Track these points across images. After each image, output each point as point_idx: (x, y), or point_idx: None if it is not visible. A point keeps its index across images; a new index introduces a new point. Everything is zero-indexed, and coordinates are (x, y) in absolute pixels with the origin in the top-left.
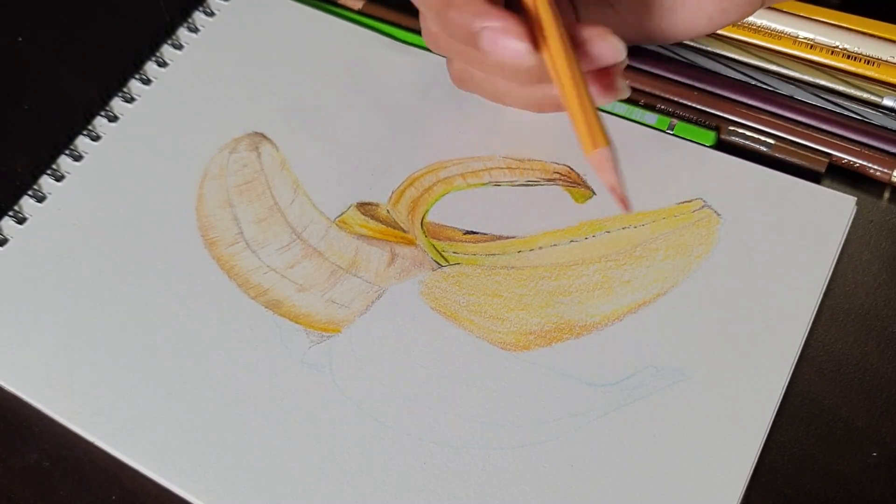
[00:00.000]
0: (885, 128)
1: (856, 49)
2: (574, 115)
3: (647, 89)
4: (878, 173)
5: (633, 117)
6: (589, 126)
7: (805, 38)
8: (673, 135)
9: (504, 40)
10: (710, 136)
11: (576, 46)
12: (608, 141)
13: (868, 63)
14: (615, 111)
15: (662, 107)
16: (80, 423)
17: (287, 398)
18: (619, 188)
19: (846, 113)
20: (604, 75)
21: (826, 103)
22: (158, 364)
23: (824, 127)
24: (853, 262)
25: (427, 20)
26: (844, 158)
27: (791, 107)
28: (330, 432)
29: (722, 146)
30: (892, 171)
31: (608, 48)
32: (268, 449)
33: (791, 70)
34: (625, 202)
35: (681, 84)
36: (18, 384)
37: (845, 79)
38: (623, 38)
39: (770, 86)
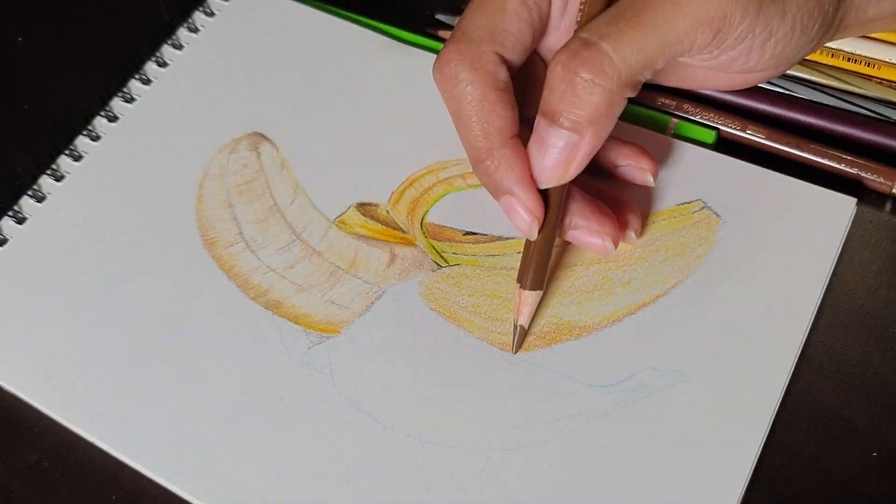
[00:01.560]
0: (886, 140)
1: (854, 51)
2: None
3: (643, 92)
4: (875, 184)
5: (632, 115)
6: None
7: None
8: (673, 134)
9: (522, 212)
10: (711, 135)
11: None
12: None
13: (868, 65)
14: None
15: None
16: (80, 424)
17: (286, 399)
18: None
19: (846, 108)
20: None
21: (824, 97)
22: (158, 364)
23: (823, 123)
24: (853, 262)
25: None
26: (845, 170)
27: (786, 104)
28: (329, 433)
29: (722, 144)
30: (893, 183)
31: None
32: (267, 449)
33: (796, 72)
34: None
35: (677, 91)
36: (18, 384)
37: (848, 79)
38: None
39: (768, 91)
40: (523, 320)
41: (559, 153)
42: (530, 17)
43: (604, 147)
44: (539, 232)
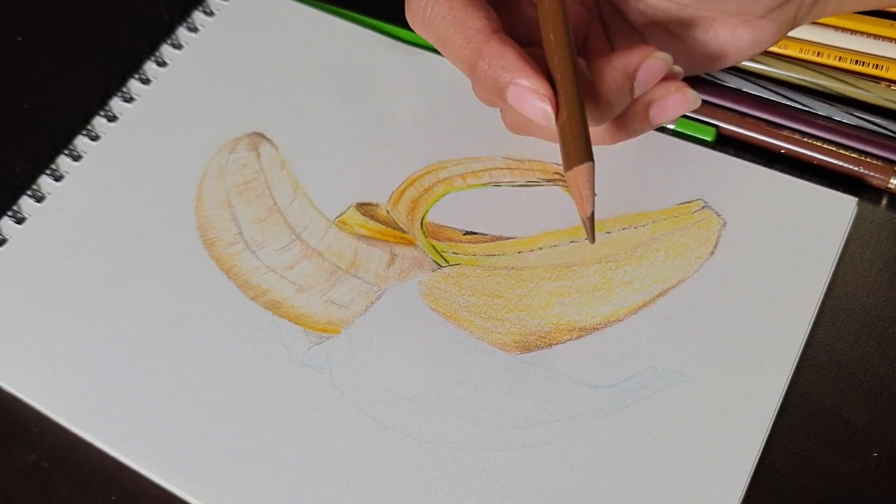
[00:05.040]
0: (882, 134)
1: (861, 49)
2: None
3: None
4: (875, 180)
5: None
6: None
7: (812, 42)
8: (674, 131)
9: (530, 99)
10: (711, 132)
11: (630, 73)
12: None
13: (876, 67)
14: None
15: None
16: (79, 424)
17: (286, 399)
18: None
19: (842, 120)
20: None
21: (822, 110)
22: (158, 364)
23: (820, 134)
24: (854, 262)
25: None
26: (842, 165)
27: (785, 115)
28: (329, 433)
29: (722, 141)
30: (889, 178)
31: (656, 64)
32: (267, 450)
33: (798, 74)
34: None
35: None
36: (18, 385)
37: (856, 83)
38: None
39: (763, 93)
40: (587, 208)
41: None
42: None
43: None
44: (557, 116)
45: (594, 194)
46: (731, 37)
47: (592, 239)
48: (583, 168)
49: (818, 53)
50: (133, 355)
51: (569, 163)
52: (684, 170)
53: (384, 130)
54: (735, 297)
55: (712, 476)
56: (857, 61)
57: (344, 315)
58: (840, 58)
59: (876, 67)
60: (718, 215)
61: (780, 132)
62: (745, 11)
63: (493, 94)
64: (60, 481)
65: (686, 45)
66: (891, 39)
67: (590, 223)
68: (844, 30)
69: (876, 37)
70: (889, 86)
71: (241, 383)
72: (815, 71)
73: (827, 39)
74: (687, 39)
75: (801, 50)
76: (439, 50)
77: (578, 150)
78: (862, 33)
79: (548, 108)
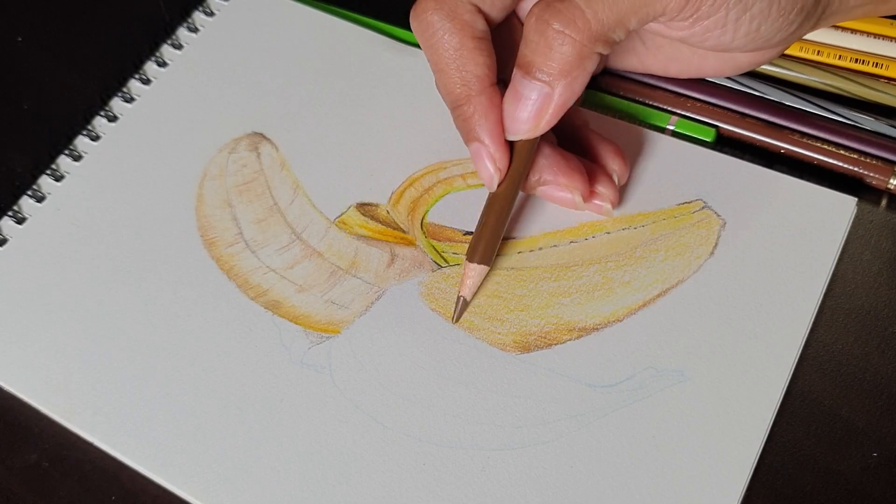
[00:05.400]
0: (882, 135)
1: (862, 48)
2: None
3: (642, 99)
4: (874, 181)
5: (632, 114)
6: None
7: (811, 41)
8: (673, 131)
9: (487, 160)
10: (711, 132)
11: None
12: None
13: (876, 66)
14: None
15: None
16: (79, 424)
17: (286, 399)
18: (462, 308)
19: (843, 120)
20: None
21: (822, 111)
22: (158, 364)
23: (820, 135)
24: (854, 262)
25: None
26: (842, 166)
27: (785, 115)
28: (329, 433)
29: (722, 141)
30: (889, 179)
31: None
32: (267, 449)
33: (800, 73)
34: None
35: (676, 94)
36: (18, 384)
37: (856, 79)
38: (653, 71)
39: (763, 92)
40: (465, 292)
41: (532, 105)
42: None
43: (582, 138)
44: (498, 185)
45: (476, 290)
46: (716, 63)
47: (456, 320)
48: (479, 268)
49: (818, 52)
50: (133, 355)
51: (473, 255)
52: (684, 170)
53: (384, 130)
54: (735, 297)
55: (712, 476)
56: (856, 60)
57: (344, 315)
58: (840, 56)
59: (876, 66)
60: (718, 215)
61: (780, 132)
62: (758, 49)
63: (461, 132)
64: (60, 481)
65: (662, 53)
66: (890, 38)
67: (461, 305)
68: (844, 29)
69: (876, 36)
70: (888, 81)
71: (242, 383)
72: (815, 69)
73: (827, 38)
74: (661, 53)
75: (800, 49)
76: (431, 66)
77: (486, 252)
78: (862, 32)
79: (495, 177)
